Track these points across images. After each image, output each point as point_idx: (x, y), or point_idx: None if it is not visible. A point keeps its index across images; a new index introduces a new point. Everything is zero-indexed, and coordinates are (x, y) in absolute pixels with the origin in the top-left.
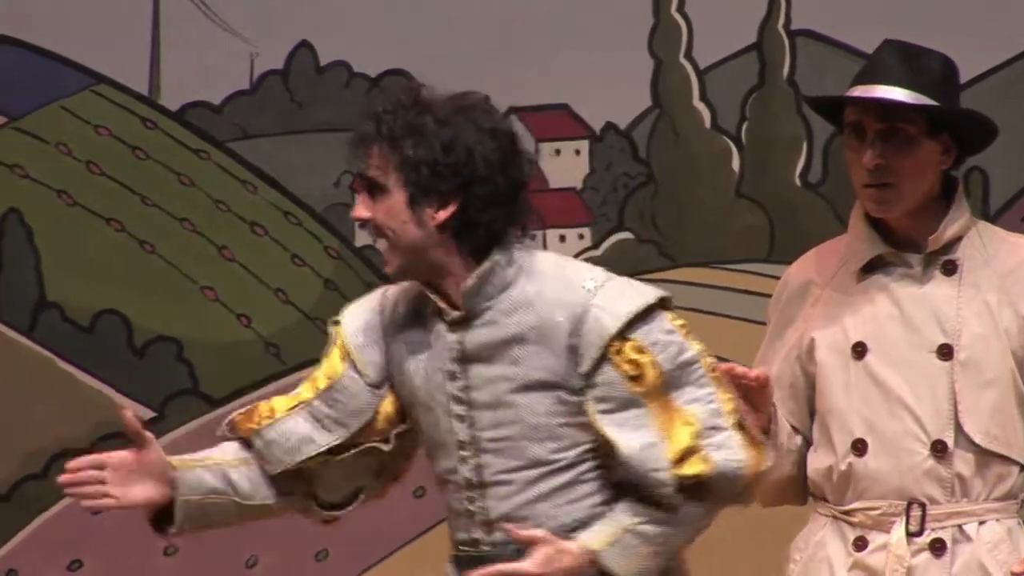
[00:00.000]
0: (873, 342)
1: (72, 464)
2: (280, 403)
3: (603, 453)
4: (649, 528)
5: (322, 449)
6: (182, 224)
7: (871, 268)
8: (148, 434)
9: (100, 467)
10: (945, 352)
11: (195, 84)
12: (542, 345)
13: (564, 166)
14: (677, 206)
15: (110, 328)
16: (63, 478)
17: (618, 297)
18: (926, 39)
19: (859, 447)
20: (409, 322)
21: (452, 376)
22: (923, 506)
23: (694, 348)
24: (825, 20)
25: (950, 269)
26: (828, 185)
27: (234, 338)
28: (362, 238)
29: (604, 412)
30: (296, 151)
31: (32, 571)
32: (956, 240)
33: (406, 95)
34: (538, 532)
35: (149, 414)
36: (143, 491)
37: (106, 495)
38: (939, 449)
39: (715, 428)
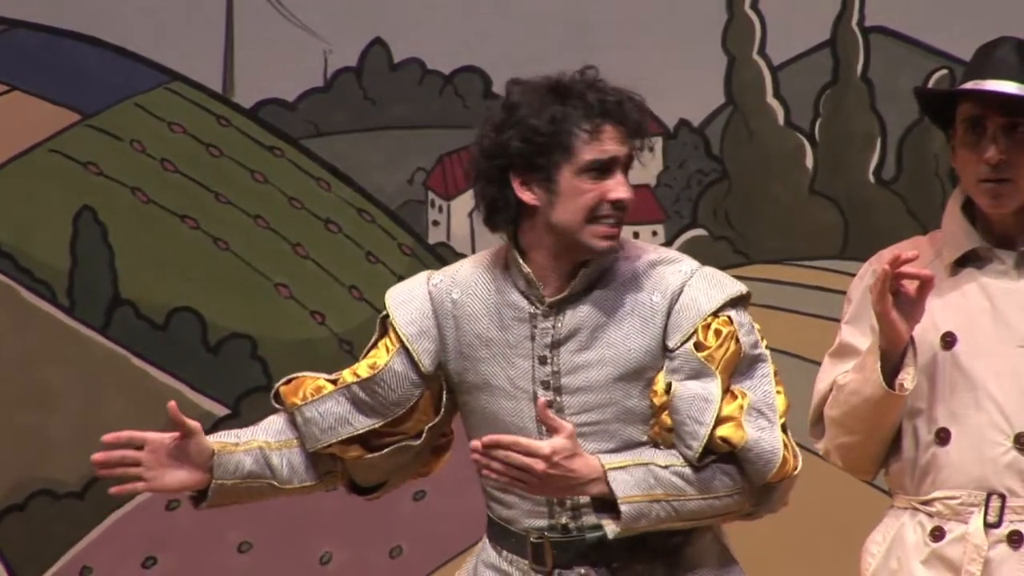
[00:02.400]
0: (962, 333)
1: (108, 437)
2: (323, 383)
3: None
4: (667, 474)
5: (358, 431)
6: (256, 221)
7: (964, 262)
8: (193, 423)
9: (138, 446)
10: None
11: (269, 81)
12: (638, 327)
13: (638, 163)
14: (751, 203)
15: (184, 325)
16: (96, 457)
17: (713, 282)
18: (997, 34)
19: (942, 436)
20: (480, 309)
21: (543, 361)
22: (1003, 497)
23: (765, 348)
24: (899, 17)
25: None
26: (902, 182)
27: (308, 335)
28: (436, 235)
29: (676, 377)
30: (370, 148)
31: (107, 568)
32: None
33: (598, 81)
34: (567, 425)
35: (223, 411)
36: (178, 477)
37: (139, 478)
38: (1022, 441)
39: (762, 414)
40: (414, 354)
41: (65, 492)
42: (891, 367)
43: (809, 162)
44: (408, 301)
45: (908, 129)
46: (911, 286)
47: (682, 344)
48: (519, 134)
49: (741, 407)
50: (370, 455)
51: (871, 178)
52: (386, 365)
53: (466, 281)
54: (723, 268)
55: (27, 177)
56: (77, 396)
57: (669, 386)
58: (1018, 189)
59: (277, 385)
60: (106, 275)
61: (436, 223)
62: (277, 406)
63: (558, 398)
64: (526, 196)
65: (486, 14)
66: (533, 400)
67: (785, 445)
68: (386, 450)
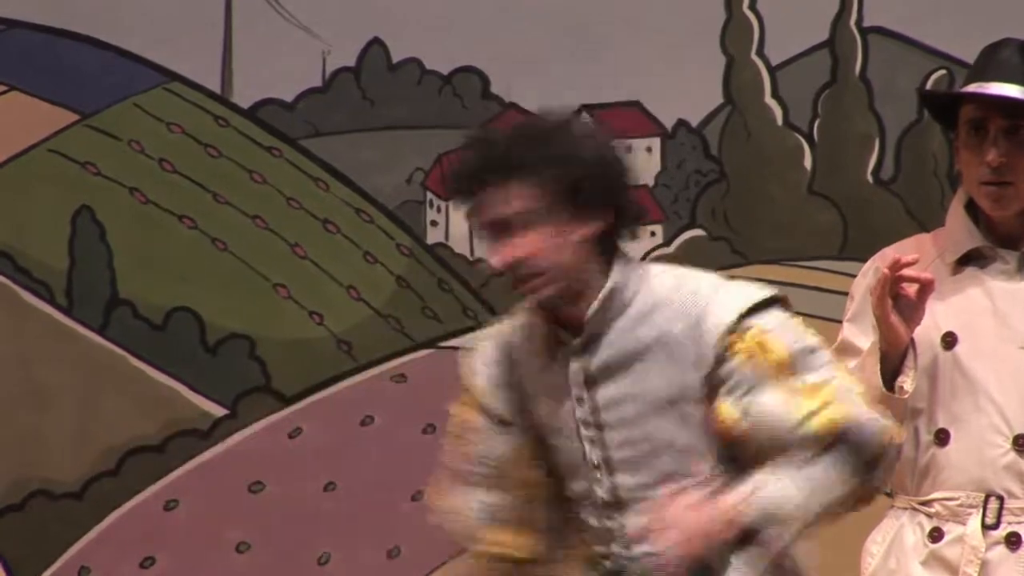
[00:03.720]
0: (963, 333)
1: None
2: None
3: (731, 439)
4: (787, 481)
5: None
6: (254, 221)
7: (966, 261)
8: None
9: None
10: None
11: (267, 82)
12: (663, 358)
13: (636, 164)
14: (749, 203)
15: (182, 325)
16: None
17: (732, 296)
18: (999, 36)
19: (941, 437)
20: (530, 355)
21: (580, 400)
22: (1001, 499)
23: (814, 338)
24: (897, 17)
25: None
26: (900, 182)
27: (306, 335)
28: (434, 235)
29: (735, 397)
30: (368, 148)
31: (105, 569)
32: None
33: (512, 129)
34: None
35: (221, 412)
36: None
37: None
38: (1021, 443)
39: (847, 396)
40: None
41: (63, 492)
42: (891, 369)
43: (807, 162)
44: (484, 368)
45: (906, 129)
46: (911, 289)
47: (718, 366)
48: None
49: (828, 395)
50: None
51: (869, 178)
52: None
53: (523, 329)
54: (721, 268)
55: (25, 177)
56: (75, 396)
57: (739, 409)
58: (1019, 192)
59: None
60: (104, 275)
61: (435, 223)
62: None
63: (601, 434)
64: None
65: (485, 14)
66: (579, 439)
67: (882, 415)
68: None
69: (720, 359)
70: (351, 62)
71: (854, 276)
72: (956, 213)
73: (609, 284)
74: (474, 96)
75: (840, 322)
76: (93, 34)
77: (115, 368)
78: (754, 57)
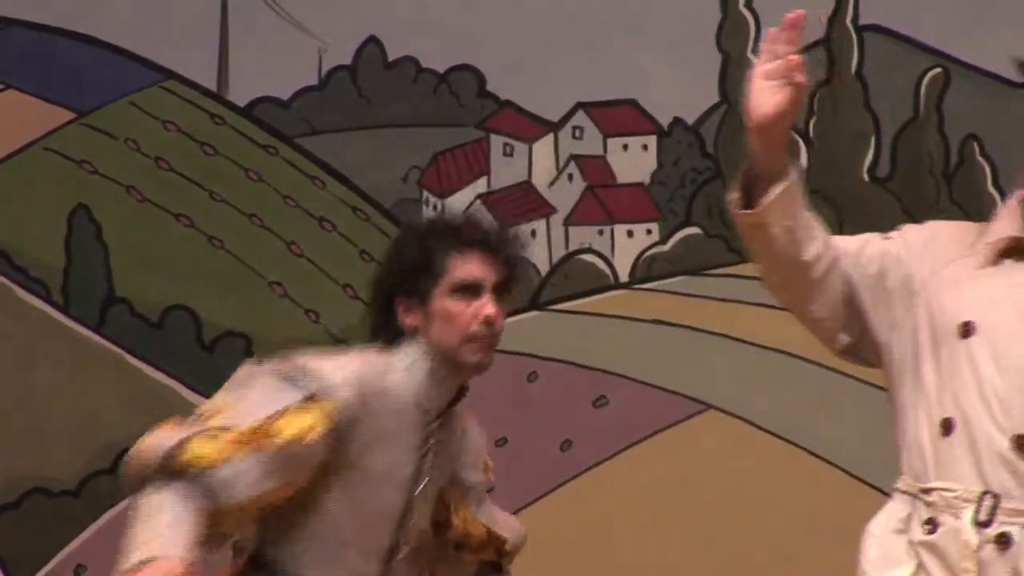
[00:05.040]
0: (981, 325)
1: None
2: None
3: None
4: None
5: None
6: (250, 219)
7: (1009, 254)
8: None
9: None
10: None
11: (263, 80)
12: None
13: (632, 161)
14: None
15: (179, 323)
16: None
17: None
18: (994, 34)
19: (946, 426)
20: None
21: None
22: (996, 497)
23: None
24: (893, 15)
25: None
26: (896, 180)
27: (303, 333)
28: None
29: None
30: (364, 147)
31: (101, 567)
32: None
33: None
34: None
35: None
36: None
37: None
38: (1018, 442)
39: None
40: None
41: (60, 490)
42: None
43: (803, 160)
44: None
45: (902, 127)
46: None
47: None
48: (400, 264)
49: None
50: None
51: (865, 176)
52: None
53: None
54: (717, 267)
55: (22, 175)
56: (72, 394)
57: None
58: None
59: None
60: (100, 273)
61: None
62: None
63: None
64: (407, 320)
65: (480, 12)
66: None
67: None
68: None
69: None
70: (347, 60)
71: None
72: (1011, 203)
73: None
74: (470, 94)
75: None
76: (88, 32)
77: (111, 366)
78: (750, 55)
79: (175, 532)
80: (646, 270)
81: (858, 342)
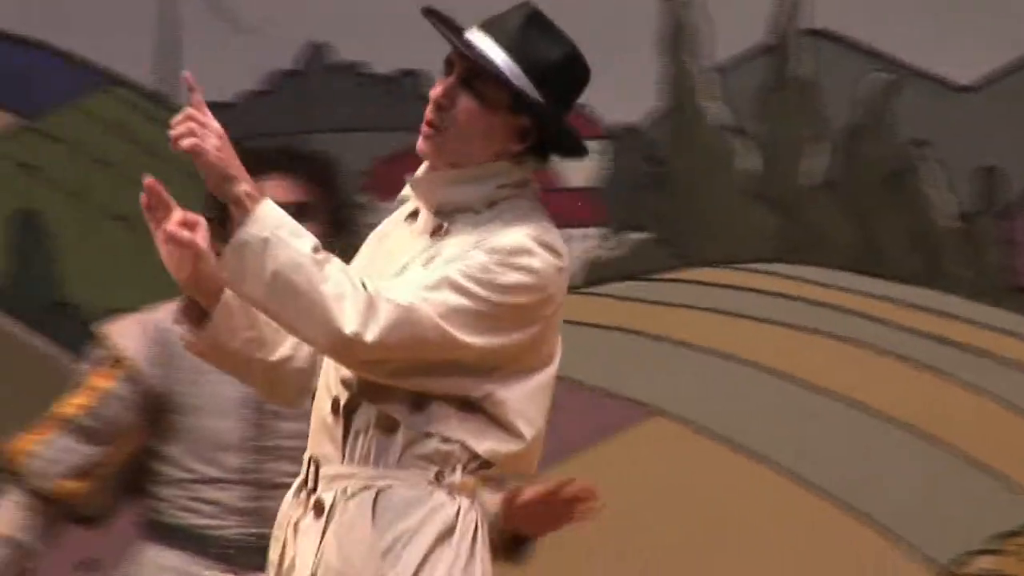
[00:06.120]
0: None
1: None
2: None
3: None
4: None
5: None
6: None
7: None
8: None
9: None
10: None
11: (208, 82)
12: None
13: (580, 165)
14: (692, 206)
15: None
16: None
17: None
18: (940, 38)
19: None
20: None
21: None
22: (317, 463)
23: None
24: (842, 19)
25: None
26: (842, 184)
27: None
28: None
29: None
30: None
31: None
32: None
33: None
34: None
35: None
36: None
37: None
38: (335, 406)
39: None
40: None
41: None
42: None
43: (750, 165)
44: None
45: (849, 132)
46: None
47: None
48: None
49: None
50: None
51: (812, 181)
52: None
53: None
54: (663, 271)
55: None
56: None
57: None
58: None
59: None
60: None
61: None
62: None
63: None
64: None
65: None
66: None
67: None
68: None
69: None
70: (291, 64)
71: (795, 279)
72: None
73: None
74: (414, 98)
75: (779, 324)
76: (34, 35)
77: (57, 372)
78: (698, 59)
79: None
80: (593, 274)
81: None
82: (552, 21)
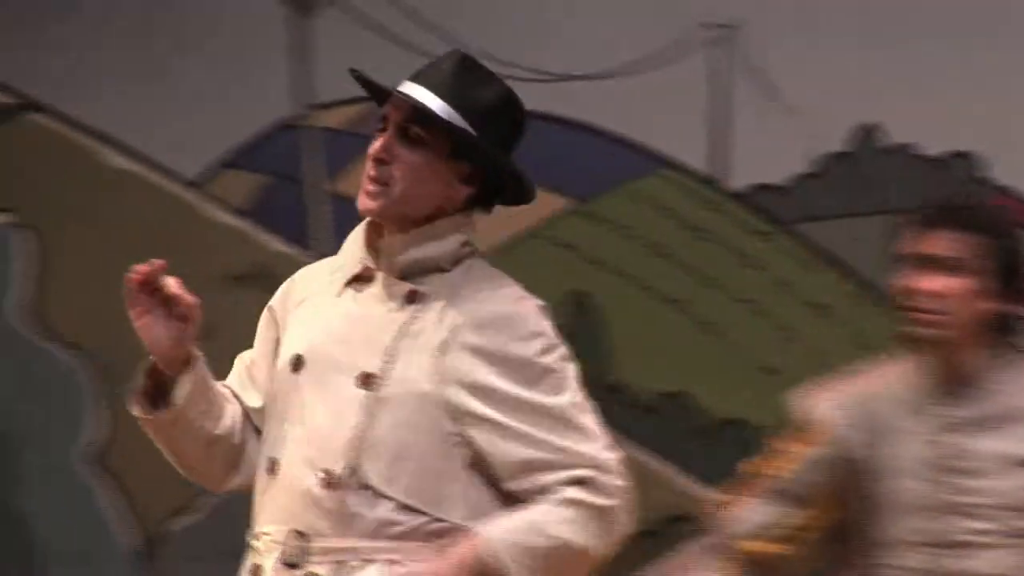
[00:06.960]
0: (311, 356)
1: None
2: None
3: None
4: None
5: None
6: (746, 306)
7: (350, 283)
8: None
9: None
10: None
11: (761, 165)
12: None
13: None
14: None
15: (676, 409)
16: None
17: None
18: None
19: (271, 466)
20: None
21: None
22: (305, 536)
23: None
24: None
25: None
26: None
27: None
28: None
29: None
30: (859, 232)
31: None
32: None
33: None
34: None
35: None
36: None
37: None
38: (328, 479)
39: None
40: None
41: None
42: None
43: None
44: None
45: None
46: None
47: None
48: None
49: None
50: None
51: None
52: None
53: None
54: None
55: (519, 259)
56: None
57: None
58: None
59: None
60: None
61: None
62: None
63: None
64: None
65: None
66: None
67: None
68: None
69: None
70: (842, 146)
71: None
72: (357, 230)
73: None
74: (966, 180)
75: None
76: (589, 120)
77: None
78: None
79: None
80: None
81: None
82: (483, 64)
